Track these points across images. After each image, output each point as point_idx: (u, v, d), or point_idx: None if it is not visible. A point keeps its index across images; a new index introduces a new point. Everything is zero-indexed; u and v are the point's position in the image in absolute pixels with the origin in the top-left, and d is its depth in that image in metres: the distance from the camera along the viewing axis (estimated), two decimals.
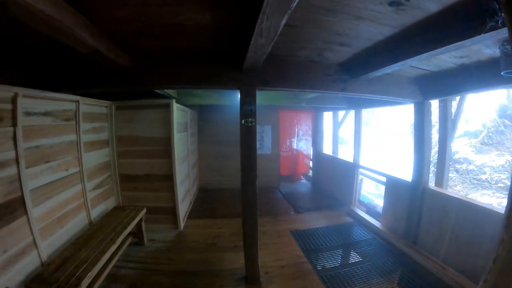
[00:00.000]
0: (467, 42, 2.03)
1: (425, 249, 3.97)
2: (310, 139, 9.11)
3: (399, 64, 2.76)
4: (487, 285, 1.15)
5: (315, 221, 5.73)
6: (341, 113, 8.14)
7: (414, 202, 4.30)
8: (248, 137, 3.28)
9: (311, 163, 9.42)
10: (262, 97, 5.75)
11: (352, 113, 6.86)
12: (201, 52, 3.07)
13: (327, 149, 8.98)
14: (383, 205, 5.28)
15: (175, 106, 4.78)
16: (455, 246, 3.52)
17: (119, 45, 2.76)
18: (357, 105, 6.38)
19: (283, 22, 1.75)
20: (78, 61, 3.14)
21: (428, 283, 3.46)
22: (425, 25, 2.17)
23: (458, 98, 4.23)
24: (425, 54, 2.39)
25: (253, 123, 3.25)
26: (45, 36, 2.04)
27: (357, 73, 3.43)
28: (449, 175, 4.77)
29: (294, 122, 8.91)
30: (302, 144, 9.07)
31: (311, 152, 9.25)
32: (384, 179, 5.40)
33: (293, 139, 8.97)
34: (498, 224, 1.16)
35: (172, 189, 4.86)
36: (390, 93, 3.93)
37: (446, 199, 3.79)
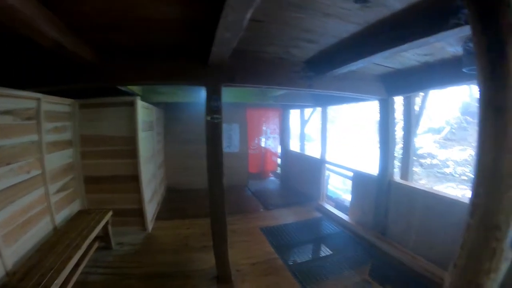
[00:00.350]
0: (431, 39, 2.09)
1: (395, 240, 4.10)
2: (278, 137, 9.22)
3: (363, 61, 2.81)
4: (457, 270, 1.19)
5: (284, 217, 5.79)
6: (307, 111, 8.27)
7: (380, 194, 4.43)
8: (214, 133, 3.22)
9: (279, 161, 9.51)
10: (229, 94, 5.70)
11: (318, 110, 6.97)
12: (168, 48, 2.98)
13: (294, 146, 9.16)
14: (351, 199, 5.42)
15: (140, 104, 4.63)
16: (423, 236, 3.66)
17: (85, 39, 2.60)
18: (323, 102, 6.50)
19: (248, 15, 1.72)
20: (44, 57, 2.93)
21: (399, 273, 3.57)
22: (390, 23, 2.20)
23: (421, 95, 4.39)
24: (388, 51, 2.44)
25: (219, 120, 3.20)
26: (8, 29, 1.91)
27: (323, 70, 3.46)
28: (414, 169, 4.95)
29: (261, 120, 8.97)
30: (270, 142, 9.19)
31: (279, 149, 9.36)
32: (350, 174, 5.53)
33: (261, 137, 9.05)
34: (462, 213, 1.22)
35: (138, 190, 4.69)
36: (355, 90, 4.02)
37: (412, 191, 3.94)
